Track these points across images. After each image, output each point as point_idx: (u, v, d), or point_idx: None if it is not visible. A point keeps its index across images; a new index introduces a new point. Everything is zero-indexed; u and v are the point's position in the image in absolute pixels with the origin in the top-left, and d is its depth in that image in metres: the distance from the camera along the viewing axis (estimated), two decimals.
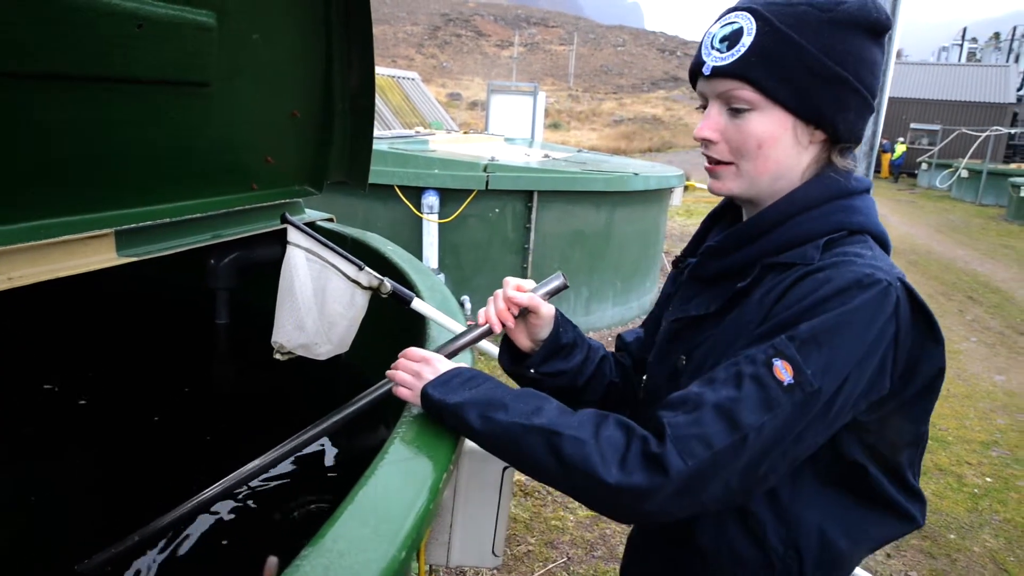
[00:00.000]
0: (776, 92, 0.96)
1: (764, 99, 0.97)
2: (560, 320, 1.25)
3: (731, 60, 0.97)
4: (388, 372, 1.16)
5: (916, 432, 1.02)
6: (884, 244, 1.03)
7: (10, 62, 1.28)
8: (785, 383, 0.87)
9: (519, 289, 1.21)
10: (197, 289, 2.29)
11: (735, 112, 1.00)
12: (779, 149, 1.00)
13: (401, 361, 1.15)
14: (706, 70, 1.00)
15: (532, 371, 1.24)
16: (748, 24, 0.97)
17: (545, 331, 1.23)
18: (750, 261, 1.03)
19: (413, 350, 1.16)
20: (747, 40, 0.96)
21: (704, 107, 1.05)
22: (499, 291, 1.22)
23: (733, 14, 1.00)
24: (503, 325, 1.22)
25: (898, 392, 0.95)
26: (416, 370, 1.11)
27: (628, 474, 0.89)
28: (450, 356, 1.23)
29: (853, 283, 0.89)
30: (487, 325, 1.22)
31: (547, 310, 1.23)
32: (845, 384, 0.89)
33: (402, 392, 1.12)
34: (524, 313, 1.22)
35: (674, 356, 1.12)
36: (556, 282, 1.25)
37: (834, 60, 0.95)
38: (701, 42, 1.04)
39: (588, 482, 0.91)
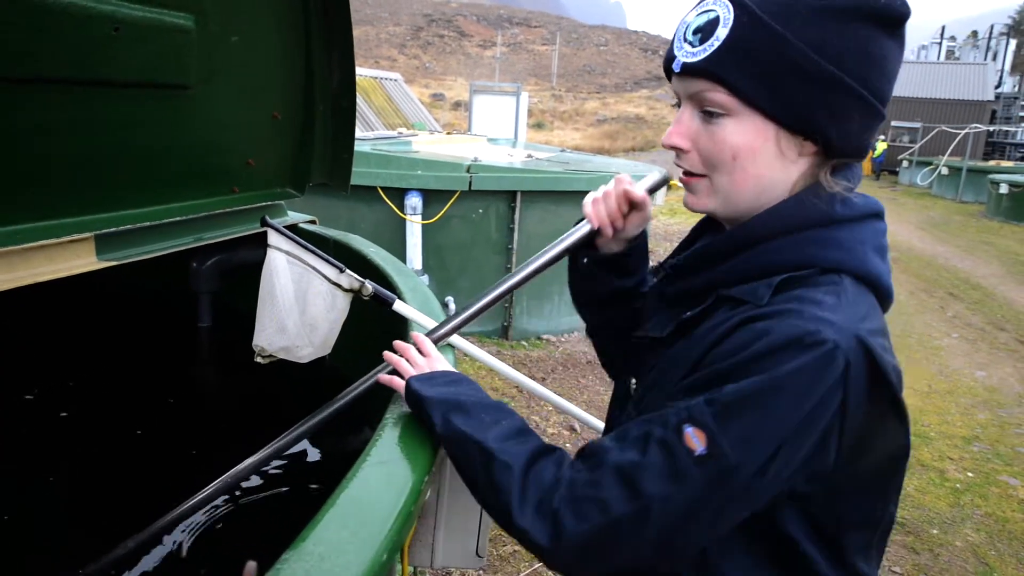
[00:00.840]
0: (754, 95, 0.82)
1: (740, 103, 0.83)
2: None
3: (703, 56, 0.83)
4: (386, 354, 1.14)
5: (872, 513, 0.86)
6: (876, 287, 0.85)
7: None
8: (696, 453, 0.75)
9: (631, 184, 1.09)
10: (179, 292, 2.27)
11: (708, 116, 0.86)
12: (758, 162, 0.85)
13: (405, 348, 1.14)
14: (676, 66, 0.87)
15: (618, 251, 1.13)
16: (725, 13, 0.82)
17: (637, 230, 1.12)
18: (707, 288, 0.90)
19: (423, 341, 1.15)
20: (722, 32, 0.82)
21: (679, 105, 0.91)
22: (607, 188, 1.10)
23: (711, 0, 0.85)
24: (614, 229, 1.10)
25: (847, 468, 0.80)
26: (414, 360, 1.10)
27: (534, 521, 0.82)
28: (555, 261, 1.15)
29: (791, 341, 0.74)
30: (592, 226, 1.10)
31: (649, 210, 1.12)
32: (772, 461, 0.75)
33: (389, 379, 1.12)
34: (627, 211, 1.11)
35: (627, 376, 1.04)
36: (658, 177, 1.16)
37: (829, 58, 0.79)
38: (675, 32, 0.90)
39: (502, 517, 0.86)
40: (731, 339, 0.80)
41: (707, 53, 0.83)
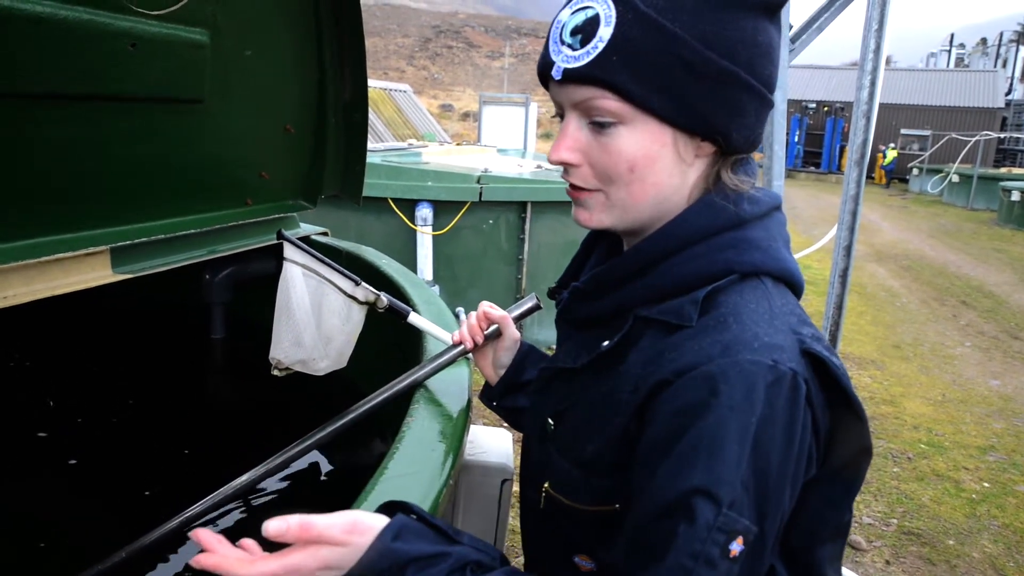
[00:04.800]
0: (648, 100, 0.74)
1: (633, 109, 0.75)
2: (527, 354, 1.16)
3: (587, 60, 0.74)
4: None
5: (839, 520, 0.81)
6: (791, 284, 0.82)
7: (5, 82, 1.29)
8: (737, 553, 0.67)
9: (492, 307, 1.16)
10: (192, 304, 2.28)
11: (598, 127, 0.78)
12: (657, 170, 0.78)
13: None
14: (556, 73, 0.77)
15: (494, 403, 1.19)
16: (606, 10, 0.73)
17: (508, 357, 1.16)
18: (621, 309, 0.82)
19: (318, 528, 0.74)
20: (605, 32, 0.73)
21: (561, 116, 0.82)
22: (473, 311, 1.18)
23: None
24: (475, 343, 1.16)
25: (818, 478, 0.77)
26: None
27: None
28: (428, 378, 1.23)
29: (761, 386, 0.68)
30: (461, 345, 1.18)
31: (512, 333, 1.15)
32: (780, 505, 0.70)
33: None
34: (497, 334, 1.16)
35: (544, 415, 0.92)
36: (528, 304, 1.22)
37: (721, 52, 0.73)
38: (549, 33, 0.80)
39: None
40: (675, 403, 0.71)
41: (591, 57, 0.74)
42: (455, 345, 1.21)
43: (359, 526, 0.73)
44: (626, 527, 0.73)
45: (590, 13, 0.74)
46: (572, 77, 0.76)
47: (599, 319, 0.85)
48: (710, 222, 0.79)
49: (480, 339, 1.15)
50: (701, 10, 0.73)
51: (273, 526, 0.70)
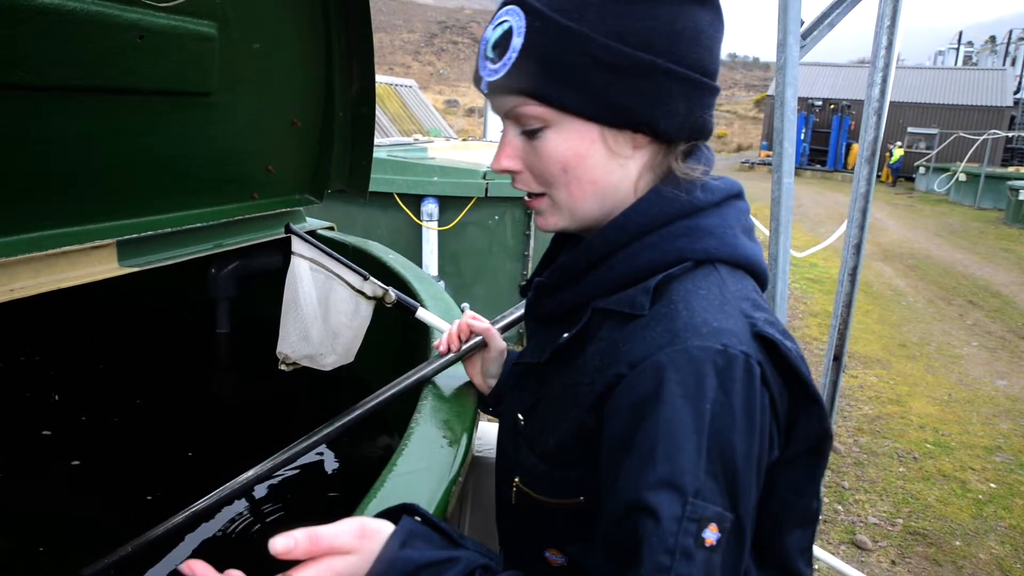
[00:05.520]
0: (565, 101, 0.76)
1: (554, 112, 0.78)
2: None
3: (504, 72, 0.78)
4: None
5: (805, 507, 0.80)
6: (752, 271, 0.82)
7: (13, 74, 1.28)
8: (714, 543, 0.65)
9: (475, 318, 1.17)
10: (197, 298, 2.28)
11: (530, 133, 0.81)
12: (591, 167, 0.80)
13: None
14: (483, 87, 0.82)
15: (490, 410, 1.20)
16: (517, 21, 0.76)
17: (496, 367, 1.17)
18: (581, 303, 0.83)
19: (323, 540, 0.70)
20: (517, 42, 0.76)
21: None
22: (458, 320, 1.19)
23: (503, 10, 0.79)
24: (454, 351, 1.19)
25: (780, 461, 0.76)
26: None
27: None
28: (418, 388, 1.23)
29: (711, 372, 0.68)
30: (448, 355, 1.20)
31: (498, 343, 1.15)
32: (751, 488, 0.69)
33: None
34: (482, 345, 1.17)
35: (515, 411, 0.93)
36: (517, 312, 1.20)
37: (635, 44, 0.74)
38: (479, 50, 0.84)
39: None
40: (626, 399, 0.71)
41: (507, 67, 0.78)
42: (441, 355, 1.22)
43: (367, 530, 0.72)
44: (599, 528, 0.72)
45: (505, 27, 0.78)
46: (495, 89, 0.80)
47: (563, 313, 0.87)
48: (662, 211, 0.80)
49: (456, 346, 1.18)
50: (608, 6, 0.74)
51: (280, 543, 0.66)
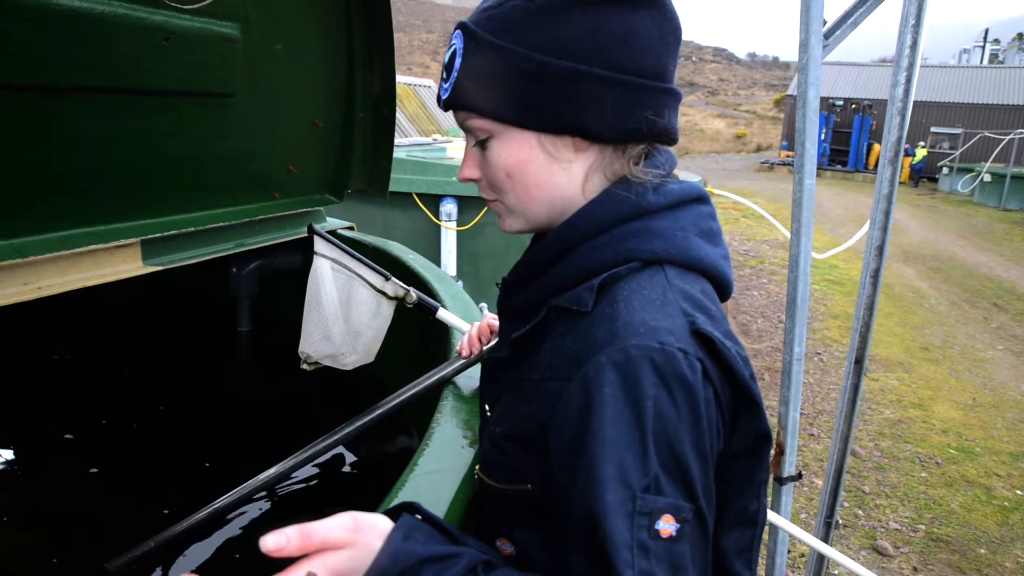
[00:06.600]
0: (500, 112, 0.83)
1: (494, 123, 0.84)
2: None
3: (450, 90, 0.86)
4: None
5: (744, 507, 0.82)
6: (705, 273, 0.84)
7: (41, 76, 1.30)
8: (673, 534, 0.67)
9: (495, 319, 1.19)
10: (219, 297, 2.30)
11: (481, 144, 0.88)
12: (533, 172, 0.85)
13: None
14: (442, 106, 0.90)
15: None
16: (459, 43, 0.85)
17: None
18: (539, 300, 0.86)
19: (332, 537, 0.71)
20: (458, 63, 0.84)
21: None
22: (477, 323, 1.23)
23: (454, 34, 0.87)
24: (473, 352, 1.23)
25: (721, 457, 0.77)
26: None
27: None
28: (437, 389, 1.24)
29: (648, 369, 0.69)
30: (467, 357, 1.24)
31: None
32: (707, 477, 0.71)
33: None
34: None
35: (484, 402, 0.98)
36: None
37: (560, 54, 0.79)
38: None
39: None
40: (577, 390, 0.72)
41: (452, 85, 0.85)
42: (460, 357, 1.26)
43: (360, 524, 0.72)
44: (566, 535, 0.73)
45: (452, 49, 0.86)
46: (448, 105, 0.88)
47: (526, 309, 0.89)
48: (612, 212, 0.83)
49: (477, 350, 1.21)
50: (533, 21, 0.80)
51: (271, 541, 0.66)
